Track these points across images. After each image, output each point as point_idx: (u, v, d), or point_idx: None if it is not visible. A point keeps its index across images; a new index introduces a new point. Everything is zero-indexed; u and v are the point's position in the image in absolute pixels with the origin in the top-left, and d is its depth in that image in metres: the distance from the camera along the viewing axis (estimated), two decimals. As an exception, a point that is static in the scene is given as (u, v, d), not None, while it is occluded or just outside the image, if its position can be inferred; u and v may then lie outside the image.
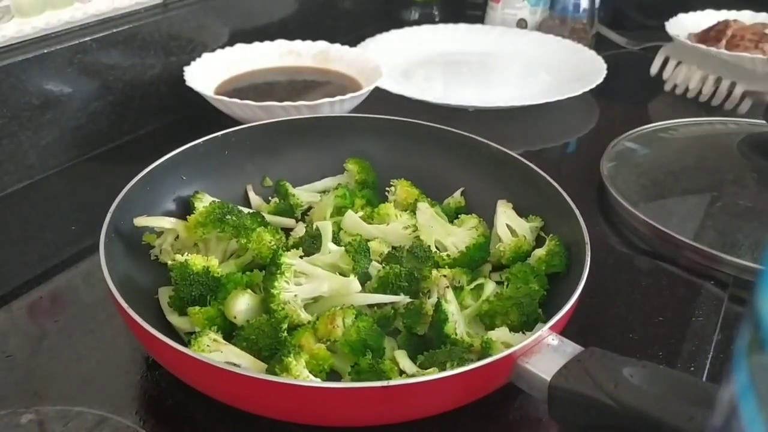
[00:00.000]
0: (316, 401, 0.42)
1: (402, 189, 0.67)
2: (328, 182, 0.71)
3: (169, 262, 0.54)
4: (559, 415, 0.43)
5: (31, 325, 0.57)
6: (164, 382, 0.50)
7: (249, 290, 0.53)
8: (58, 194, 0.75)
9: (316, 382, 0.44)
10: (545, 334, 0.45)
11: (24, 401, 0.48)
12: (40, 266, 0.63)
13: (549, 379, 0.42)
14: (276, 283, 0.51)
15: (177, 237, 0.59)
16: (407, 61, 1.09)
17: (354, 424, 0.47)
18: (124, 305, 0.45)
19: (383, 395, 0.41)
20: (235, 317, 0.51)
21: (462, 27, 1.20)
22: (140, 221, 0.57)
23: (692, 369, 0.53)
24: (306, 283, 0.52)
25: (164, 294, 0.54)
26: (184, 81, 0.83)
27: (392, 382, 0.41)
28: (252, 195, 0.68)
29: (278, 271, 0.51)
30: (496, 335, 0.51)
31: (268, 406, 0.45)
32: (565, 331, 0.48)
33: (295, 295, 0.51)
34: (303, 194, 0.68)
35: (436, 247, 0.60)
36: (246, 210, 0.62)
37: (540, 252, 0.57)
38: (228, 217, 0.57)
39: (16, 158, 0.74)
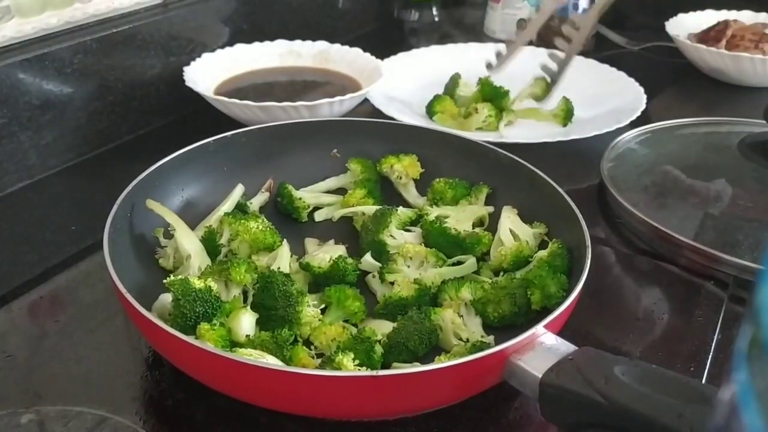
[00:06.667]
0: (305, 388, 0.42)
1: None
2: (331, 183, 0.71)
3: (165, 281, 0.51)
4: (549, 413, 0.43)
5: (31, 325, 0.57)
6: (164, 382, 0.50)
7: (247, 308, 0.52)
8: (58, 194, 0.75)
9: (303, 370, 0.45)
10: (540, 332, 0.45)
11: (24, 401, 0.48)
12: (40, 266, 0.63)
13: (540, 376, 0.42)
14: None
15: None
16: (413, 86, 0.97)
17: (344, 416, 0.47)
18: (130, 299, 0.45)
19: (370, 385, 0.41)
20: (246, 336, 0.50)
21: (482, 46, 1.07)
22: (152, 204, 0.57)
23: (692, 369, 0.53)
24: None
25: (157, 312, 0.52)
26: (184, 81, 0.83)
27: (381, 372, 0.42)
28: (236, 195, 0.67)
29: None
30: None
31: (265, 394, 0.45)
32: (564, 330, 0.48)
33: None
34: (307, 195, 0.68)
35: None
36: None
37: (542, 254, 0.57)
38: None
39: (16, 158, 0.74)
